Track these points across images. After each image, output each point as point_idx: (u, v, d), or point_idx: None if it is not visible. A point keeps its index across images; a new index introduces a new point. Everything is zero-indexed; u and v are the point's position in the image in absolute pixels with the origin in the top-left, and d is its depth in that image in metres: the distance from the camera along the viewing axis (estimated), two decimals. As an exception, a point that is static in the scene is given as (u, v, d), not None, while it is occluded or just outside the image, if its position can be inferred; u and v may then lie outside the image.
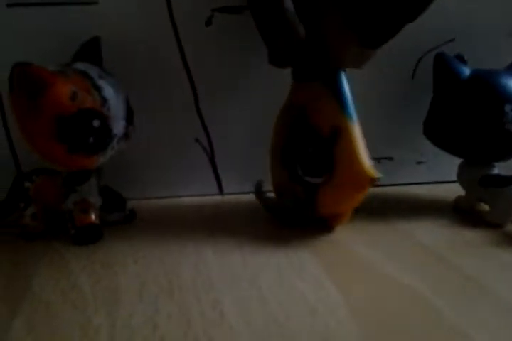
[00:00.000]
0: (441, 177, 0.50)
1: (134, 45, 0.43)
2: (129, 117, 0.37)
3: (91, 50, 0.38)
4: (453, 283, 0.30)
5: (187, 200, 0.46)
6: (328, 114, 0.37)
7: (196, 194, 0.47)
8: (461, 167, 0.42)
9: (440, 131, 0.41)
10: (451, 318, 0.26)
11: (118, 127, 0.36)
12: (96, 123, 0.34)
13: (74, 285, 0.30)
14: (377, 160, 0.50)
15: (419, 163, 0.50)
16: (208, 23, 0.43)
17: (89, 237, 0.37)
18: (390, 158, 0.50)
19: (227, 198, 0.47)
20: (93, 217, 0.37)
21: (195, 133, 0.46)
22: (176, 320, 0.26)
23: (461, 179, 0.42)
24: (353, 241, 0.37)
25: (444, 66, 0.40)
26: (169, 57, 0.44)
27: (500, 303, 0.28)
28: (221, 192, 0.48)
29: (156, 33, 0.43)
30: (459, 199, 0.43)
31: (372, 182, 0.35)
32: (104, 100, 0.34)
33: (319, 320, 0.26)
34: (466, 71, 0.40)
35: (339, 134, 0.36)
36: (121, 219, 0.40)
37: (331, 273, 0.31)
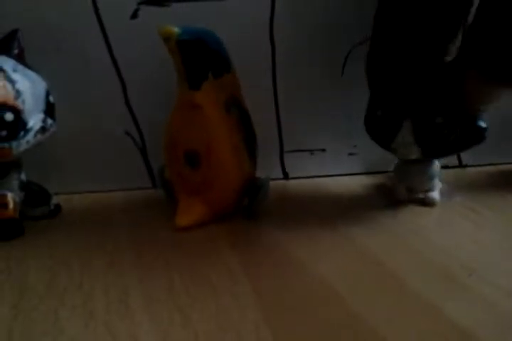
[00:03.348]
0: (372, 167, 0.51)
1: (59, 38, 0.42)
2: (49, 110, 0.37)
3: (8, 43, 0.37)
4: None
5: (118, 194, 0.46)
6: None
7: (128, 188, 0.47)
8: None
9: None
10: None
11: (35, 120, 0.35)
12: (9, 116, 0.33)
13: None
14: (310, 151, 0.51)
15: (351, 154, 0.51)
16: (134, 15, 0.43)
17: (8, 232, 0.36)
18: (323, 150, 0.51)
19: (160, 192, 0.46)
20: (12, 211, 0.37)
21: (125, 126, 0.46)
22: (79, 312, 0.26)
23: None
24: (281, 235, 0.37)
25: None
26: (95, 50, 0.43)
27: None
28: (154, 185, 0.48)
29: (80, 25, 0.42)
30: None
31: None
32: (18, 93, 0.34)
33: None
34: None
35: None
36: (45, 214, 0.40)
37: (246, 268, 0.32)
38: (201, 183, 0.38)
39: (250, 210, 0.40)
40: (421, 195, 0.42)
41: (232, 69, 0.39)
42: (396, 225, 0.38)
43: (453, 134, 0.38)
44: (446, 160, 0.48)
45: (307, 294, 0.29)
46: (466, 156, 0.53)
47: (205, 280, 0.30)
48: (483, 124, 0.38)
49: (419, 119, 0.38)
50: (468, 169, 0.53)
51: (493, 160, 0.54)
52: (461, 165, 0.54)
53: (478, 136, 0.39)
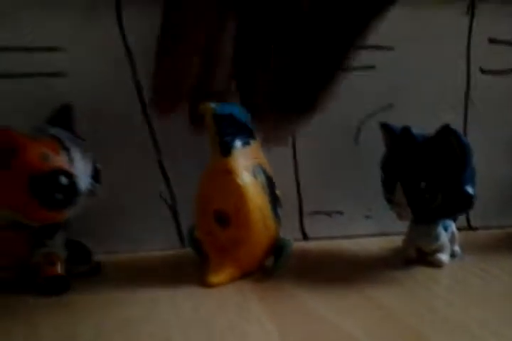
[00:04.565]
0: (387, 229, 0.54)
1: (102, 109, 0.47)
2: (96, 175, 0.41)
3: (62, 116, 0.42)
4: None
5: (152, 254, 0.49)
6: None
7: (160, 248, 0.50)
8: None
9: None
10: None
11: (84, 184, 0.39)
12: (64, 180, 0.37)
13: (36, 333, 0.33)
14: (328, 214, 0.54)
15: (367, 216, 0.55)
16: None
17: (55, 288, 0.39)
18: (341, 212, 0.54)
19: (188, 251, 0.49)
20: (59, 268, 0.40)
21: (158, 188, 0.50)
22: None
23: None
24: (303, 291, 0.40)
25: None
26: (133, 117, 0.48)
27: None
28: (183, 245, 0.51)
29: (121, 100, 0.48)
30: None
31: None
32: (71, 160, 0.38)
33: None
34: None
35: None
36: (87, 271, 0.43)
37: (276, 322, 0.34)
38: (231, 242, 0.42)
39: (275, 268, 0.43)
40: (429, 256, 0.45)
41: (256, 139, 0.44)
42: (411, 284, 0.41)
43: (435, 199, 0.41)
44: (456, 223, 0.51)
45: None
46: (474, 219, 0.56)
47: (242, 336, 0.32)
48: (470, 190, 0.41)
49: (408, 183, 0.42)
50: (478, 232, 0.56)
51: (502, 222, 0.57)
52: (470, 227, 0.57)
53: (464, 202, 0.42)
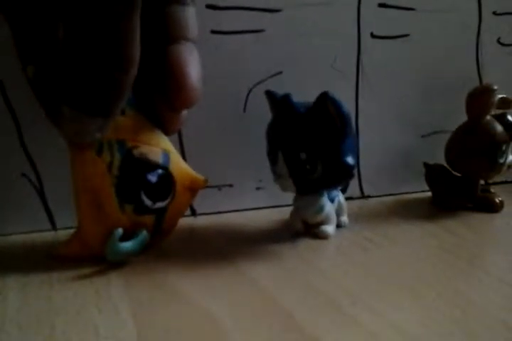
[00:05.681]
0: (279, 201, 0.52)
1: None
2: None
3: None
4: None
5: (17, 238, 0.44)
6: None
7: (26, 231, 0.45)
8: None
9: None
10: None
11: None
12: None
13: None
14: (218, 187, 0.52)
15: (258, 188, 0.53)
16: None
17: None
18: (231, 185, 0.52)
19: (60, 233, 0.45)
20: None
21: (21, 168, 0.45)
22: None
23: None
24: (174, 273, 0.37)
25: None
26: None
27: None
28: (54, 227, 0.47)
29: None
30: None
31: (205, 184, 0.42)
32: None
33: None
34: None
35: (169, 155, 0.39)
36: None
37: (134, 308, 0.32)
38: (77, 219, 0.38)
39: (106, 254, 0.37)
40: (314, 228, 0.44)
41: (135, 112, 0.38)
42: (292, 258, 0.40)
43: (315, 170, 0.40)
44: (350, 192, 0.51)
45: (193, 333, 0.29)
46: (367, 187, 0.56)
47: (90, 325, 0.29)
48: (349, 161, 0.40)
49: (288, 153, 0.40)
50: (370, 200, 0.56)
51: (393, 190, 0.57)
52: (363, 196, 0.56)
53: (344, 173, 0.40)
